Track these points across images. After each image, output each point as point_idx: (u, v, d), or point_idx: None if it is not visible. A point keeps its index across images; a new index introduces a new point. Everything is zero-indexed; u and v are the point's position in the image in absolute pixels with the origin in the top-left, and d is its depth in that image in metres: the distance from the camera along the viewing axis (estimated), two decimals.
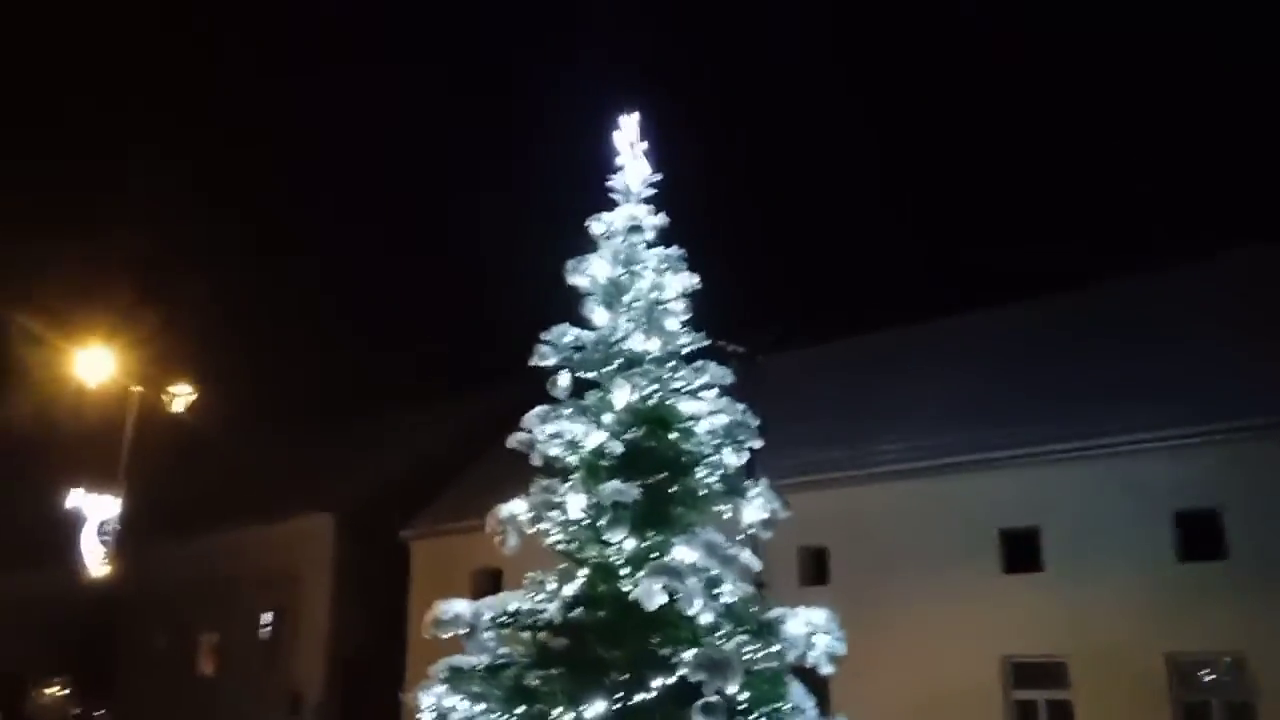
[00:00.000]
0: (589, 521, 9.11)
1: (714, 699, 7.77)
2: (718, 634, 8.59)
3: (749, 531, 9.40)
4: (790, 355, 22.06)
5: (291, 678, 27.68)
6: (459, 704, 9.13)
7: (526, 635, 9.37)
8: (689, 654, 8.01)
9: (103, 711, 23.48)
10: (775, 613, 9.02)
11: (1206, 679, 14.74)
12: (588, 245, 10.14)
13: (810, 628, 8.90)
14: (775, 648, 8.85)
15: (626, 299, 9.90)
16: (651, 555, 8.76)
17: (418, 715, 9.34)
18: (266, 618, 29.94)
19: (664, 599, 8.22)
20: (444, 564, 24.14)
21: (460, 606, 9.12)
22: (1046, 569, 15.86)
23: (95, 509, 16.04)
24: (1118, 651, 14.75)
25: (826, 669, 8.90)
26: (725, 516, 9.61)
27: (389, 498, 26.54)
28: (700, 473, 9.42)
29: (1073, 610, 15.33)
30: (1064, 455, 15.91)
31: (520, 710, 8.95)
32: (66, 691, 23.28)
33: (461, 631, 9.10)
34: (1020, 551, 16.20)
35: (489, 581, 20.65)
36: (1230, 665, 14.45)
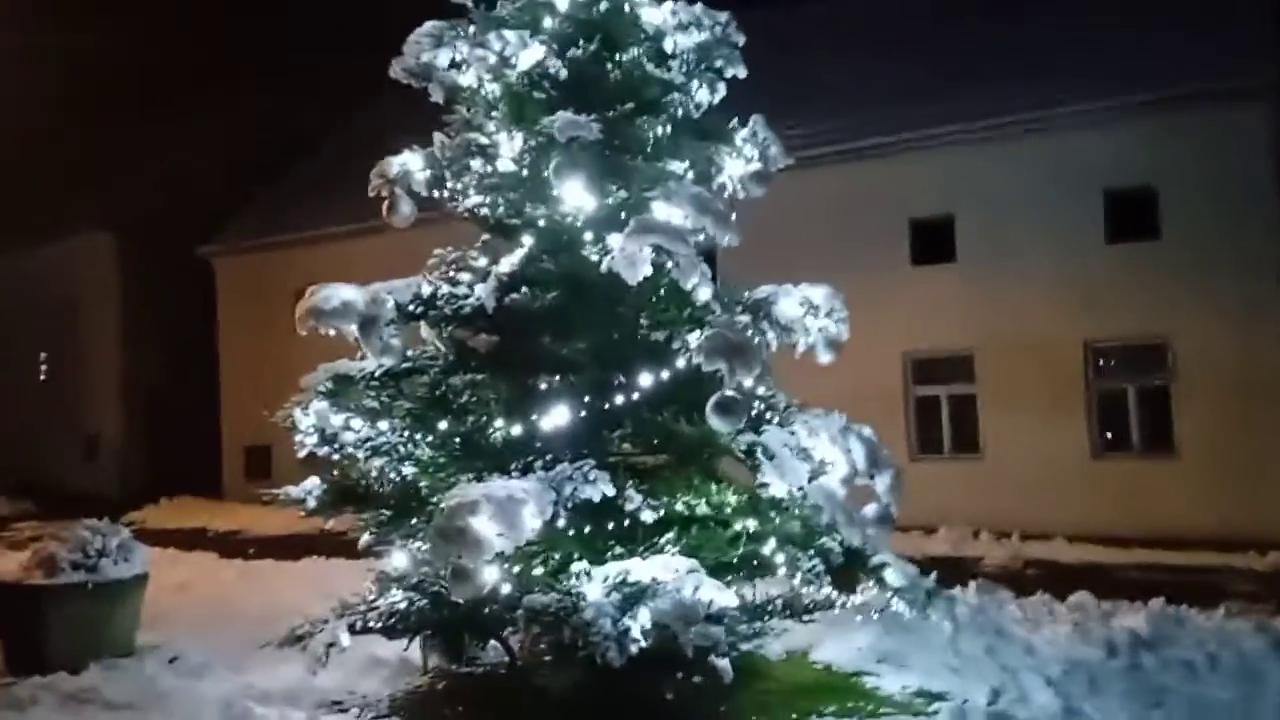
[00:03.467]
0: (527, 173, 6.67)
1: (731, 393, 5.79)
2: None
3: (736, 188, 7.20)
4: None
5: (84, 418, 24.46)
6: (352, 423, 6.87)
7: (442, 330, 7.05)
8: (694, 337, 5.94)
9: None
10: (764, 290, 7.01)
11: (1125, 365, 14.05)
12: None
13: (806, 307, 6.96)
14: (769, 333, 6.88)
15: None
16: (621, 215, 6.46)
17: (296, 439, 7.02)
18: (44, 355, 26.20)
19: (648, 270, 6.04)
20: (256, 284, 21.11)
21: (349, 293, 6.61)
22: (959, 259, 14.58)
23: None
24: (1031, 341, 13.86)
25: (826, 357, 7.07)
26: (689, 171, 7.32)
27: (184, 207, 22.61)
28: (665, 110, 7.05)
29: (985, 301, 14.25)
30: (981, 135, 14.33)
31: (442, 427, 6.77)
32: None
33: (350, 326, 6.64)
34: (931, 241, 14.82)
35: None
36: (1150, 350, 13.74)
